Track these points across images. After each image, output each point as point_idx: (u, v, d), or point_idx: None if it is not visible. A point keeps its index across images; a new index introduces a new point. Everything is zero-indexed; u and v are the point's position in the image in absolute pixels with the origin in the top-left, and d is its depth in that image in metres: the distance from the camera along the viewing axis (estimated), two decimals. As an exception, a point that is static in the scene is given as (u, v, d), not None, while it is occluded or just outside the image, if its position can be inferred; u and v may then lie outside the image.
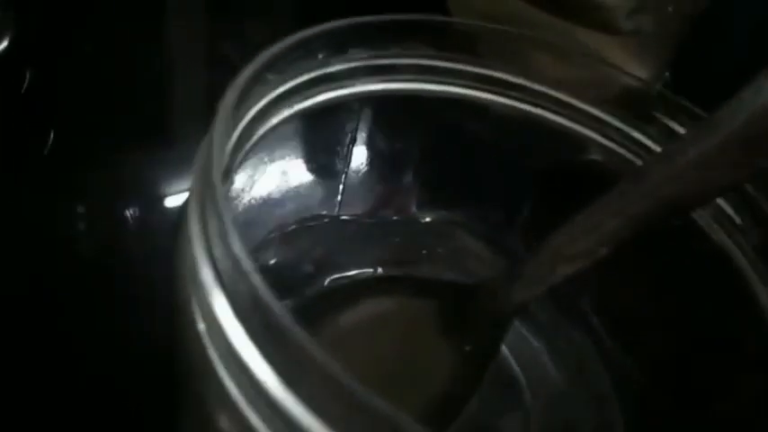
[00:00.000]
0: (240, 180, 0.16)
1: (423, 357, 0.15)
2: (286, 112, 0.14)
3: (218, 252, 0.09)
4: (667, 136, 0.16)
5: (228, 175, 0.11)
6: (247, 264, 0.09)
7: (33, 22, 0.27)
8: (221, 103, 0.10)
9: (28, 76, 0.26)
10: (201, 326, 0.10)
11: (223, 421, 0.09)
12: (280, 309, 0.08)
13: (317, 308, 0.17)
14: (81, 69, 0.29)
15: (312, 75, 0.14)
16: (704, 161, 0.13)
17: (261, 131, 0.13)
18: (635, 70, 0.32)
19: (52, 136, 0.26)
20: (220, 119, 0.10)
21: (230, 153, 0.11)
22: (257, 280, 0.09)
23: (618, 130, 0.17)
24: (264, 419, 0.08)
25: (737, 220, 0.14)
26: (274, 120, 0.13)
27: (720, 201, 0.15)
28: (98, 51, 0.31)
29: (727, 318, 0.14)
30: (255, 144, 0.13)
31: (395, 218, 0.20)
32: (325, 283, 0.18)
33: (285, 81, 0.13)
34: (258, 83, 0.12)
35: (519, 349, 0.19)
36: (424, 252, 0.20)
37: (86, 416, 0.18)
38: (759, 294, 0.13)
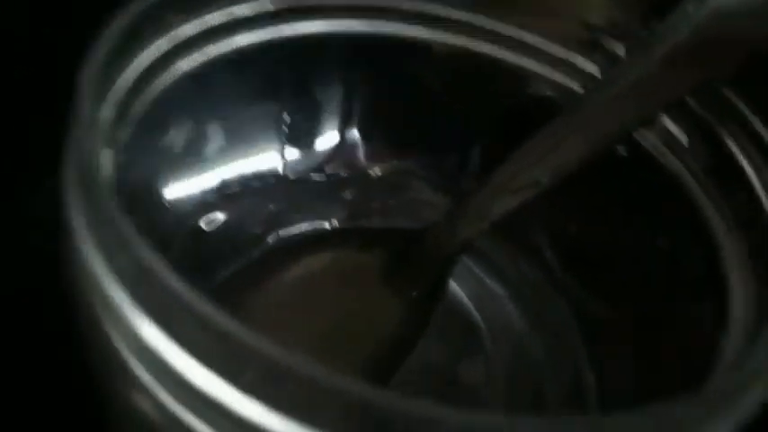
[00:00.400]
0: (170, 139, 0.15)
1: (367, 306, 0.15)
2: (197, 59, 0.13)
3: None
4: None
5: (120, 124, 0.10)
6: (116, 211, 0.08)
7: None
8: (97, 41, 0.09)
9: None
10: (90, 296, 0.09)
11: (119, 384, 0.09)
12: (147, 249, 0.08)
13: (264, 267, 0.17)
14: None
15: (221, 14, 0.13)
16: (647, 77, 0.12)
17: (162, 85, 0.12)
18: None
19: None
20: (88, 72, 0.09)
21: (120, 102, 0.10)
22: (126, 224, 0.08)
23: (567, 63, 0.16)
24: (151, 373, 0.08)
25: (685, 141, 0.14)
26: (181, 68, 0.12)
27: (668, 123, 0.14)
28: None
29: (678, 242, 0.13)
30: (165, 95, 0.12)
31: (344, 174, 0.19)
32: (272, 241, 0.18)
33: (189, 20, 0.12)
34: (153, 23, 0.11)
35: (478, 295, 0.18)
36: (376, 205, 0.20)
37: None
38: (710, 218, 0.13)
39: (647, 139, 0.14)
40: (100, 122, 0.09)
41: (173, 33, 0.11)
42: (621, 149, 0.15)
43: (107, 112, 0.10)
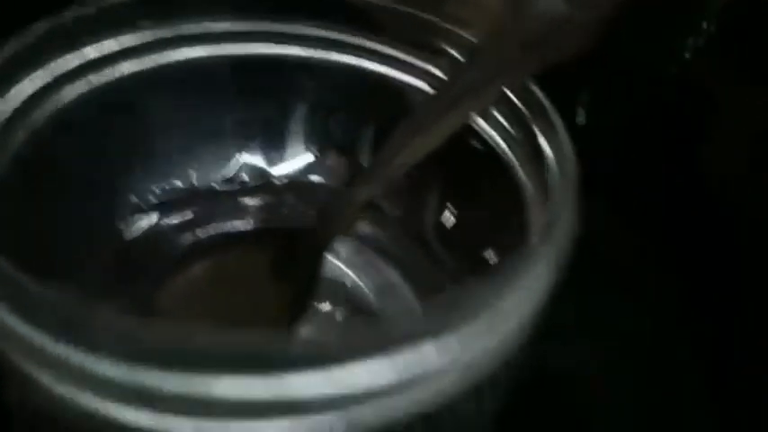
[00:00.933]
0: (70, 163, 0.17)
1: (256, 295, 0.17)
2: (79, 89, 0.15)
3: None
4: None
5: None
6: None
7: None
8: None
9: None
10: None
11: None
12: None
13: (177, 265, 0.19)
14: None
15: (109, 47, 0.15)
16: (478, 77, 0.15)
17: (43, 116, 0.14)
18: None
19: None
20: None
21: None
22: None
23: (425, 71, 0.18)
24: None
25: (513, 132, 0.16)
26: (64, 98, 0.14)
27: (501, 119, 0.16)
28: None
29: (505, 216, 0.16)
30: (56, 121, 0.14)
31: (252, 182, 0.21)
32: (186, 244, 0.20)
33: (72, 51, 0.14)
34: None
35: (378, 285, 0.20)
36: (284, 211, 0.22)
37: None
38: (527, 193, 0.15)
39: (487, 131, 0.17)
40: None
41: (53, 65, 0.13)
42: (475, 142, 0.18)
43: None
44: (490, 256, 0.18)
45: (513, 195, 0.16)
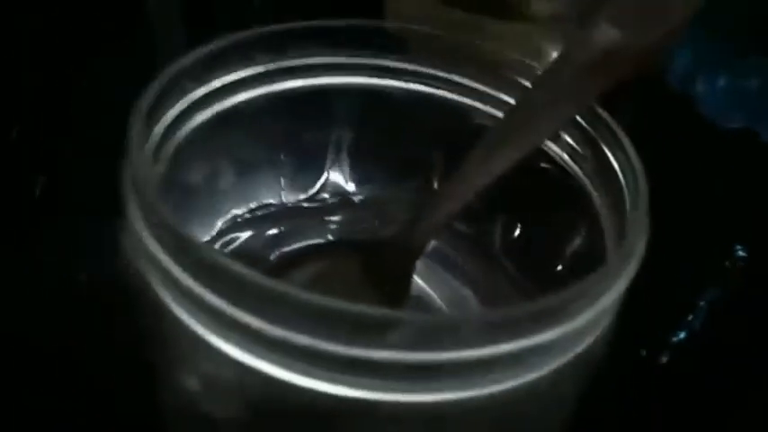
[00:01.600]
0: (190, 177, 0.20)
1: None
2: (208, 114, 0.17)
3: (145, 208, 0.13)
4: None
5: (156, 159, 0.15)
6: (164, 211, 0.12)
7: (20, 81, 0.31)
8: (138, 102, 0.14)
9: (16, 128, 0.30)
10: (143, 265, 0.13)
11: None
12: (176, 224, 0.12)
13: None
14: (65, 120, 0.33)
15: (229, 78, 0.18)
16: (548, 101, 0.17)
17: (185, 131, 0.16)
18: (554, 50, 0.36)
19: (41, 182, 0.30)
20: (136, 113, 0.13)
21: (156, 145, 0.15)
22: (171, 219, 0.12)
23: (493, 97, 0.20)
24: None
25: (581, 150, 0.18)
26: (199, 119, 0.17)
27: (568, 139, 0.18)
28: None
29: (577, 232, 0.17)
30: (188, 142, 0.17)
31: (332, 200, 0.24)
32: (274, 259, 0.22)
33: (189, 92, 0.17)
34: (178, 87, 0.16)
35: (449, 298, 0.22)
36: (364, 225, 0.24)
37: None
38: (597, 208, 0.17)
39: (557, 151, 0.19)
40: (144, 157, 0.14)
41: (189, 95, 0.16)
42: (542, 162, 0.19)
43: (148, 152, 0.14)
44: (560, 271, 0.20)
45: (583, 212, 0.17)
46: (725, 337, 0.24)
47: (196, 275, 0.12)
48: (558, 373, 0.12)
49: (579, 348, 0.12)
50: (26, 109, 0.32)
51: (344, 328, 0.11)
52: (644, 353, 0.23)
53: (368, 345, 0.11)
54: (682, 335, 0.24)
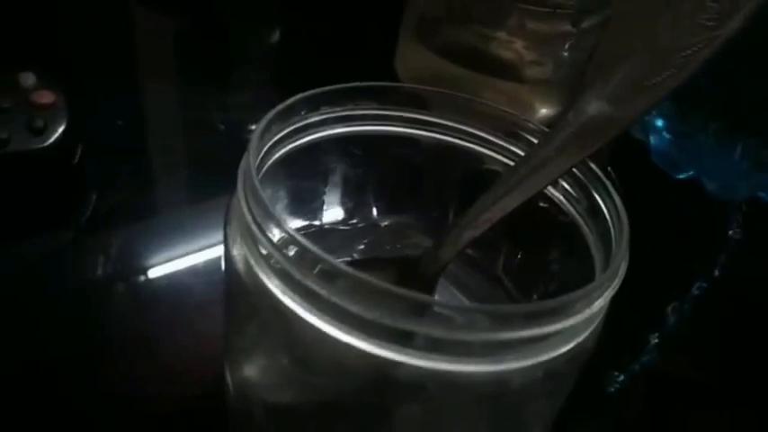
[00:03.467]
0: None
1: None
2: (282, 150, 0.22)
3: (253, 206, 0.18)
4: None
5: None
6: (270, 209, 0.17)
7: (80, 110, 0.35)
8: (253, 135, 0.19)
9: (79, 149, 0.34)
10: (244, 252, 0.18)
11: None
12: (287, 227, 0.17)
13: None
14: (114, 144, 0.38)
15: (296, 125, 0.22)
16: (550, 155, 0.21)
17: (268, 162, 0.21)
18: (542, 107, 0.41)
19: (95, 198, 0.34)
20: (254, 137, 0.18)
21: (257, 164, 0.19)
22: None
23: (505, 148, 0.25)
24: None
25: (574, 193, 0.22)
26: (276, 155, 0.22)
27: (564, 183, 0.23)
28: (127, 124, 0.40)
29: (568, 259, 0.22)
30: (268, 166, 0.21)
31: (361, 225, 0.28)
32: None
33: (281, 130, 0.21)
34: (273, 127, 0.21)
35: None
36: (387, 247, 0.28)
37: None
38: (588, 239, 0.21)
39: (554, 193, 0.23)
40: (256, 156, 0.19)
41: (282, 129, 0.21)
42: (540, 201, 0.24)
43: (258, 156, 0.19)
44: (553, 291, 0.25)
45: (575, 243, 0.22)
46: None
47: (282, 250, 0.17)
48: (563, 357, 0.17)
49: (578, 340, 0.17)
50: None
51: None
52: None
53: (416, 321, 0.16)
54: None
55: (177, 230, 0.34)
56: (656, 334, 0.33)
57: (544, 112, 0.41)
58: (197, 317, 0.29)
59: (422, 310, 0.16)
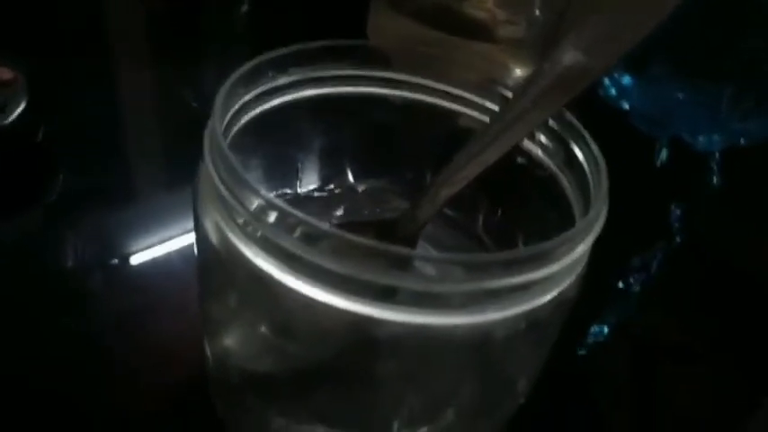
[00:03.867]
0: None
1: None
2: (250, 115, 0.21)
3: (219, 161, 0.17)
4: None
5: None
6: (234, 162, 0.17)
7: (43, 88, 0.34)
8: (217, 97, 0.18)
9: (42, 127, 0.33)
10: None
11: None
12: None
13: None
14: (81, 124, 0.37)
15: (266, 87, 0.21)
16: (526, 108, 0.21)
17: (237, 127, 0.20)
18: (516, 67, 0.41)
19: (62, 179, 0.33)
20: (218, 100, 0.18)
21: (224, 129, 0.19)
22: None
23: (479, 104, 0.25)
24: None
25: (551, 145, 0.22)
26: (243, 120, 0.21)
27: (541, 136, 0.23)
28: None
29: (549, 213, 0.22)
30: (237, 135, 0.21)
31: (338, 190, 0.28)
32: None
33: (248, 93, 0.21)
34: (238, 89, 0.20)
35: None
36: (365, 212, 0.28)
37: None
38: (566, 190, 0.21)
39: (531, 147, 0.23)
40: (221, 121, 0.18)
41: (245, 97, 0.20)
42: (518, 157, 0.24)
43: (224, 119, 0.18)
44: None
45: (554, 196, 0.22)
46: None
47: (258, 216, 0.16)
48: (547, 306, 0.16)
49: (561, 287, 0.17)
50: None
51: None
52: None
53: (398, 275, 0.15)
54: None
55: (151, 210, 0.33)
56: (633, 289, 0.33)
57: (519, 72, 0.40)
58: (178, 296, 0.29)
59: (403, 265, 0.16)
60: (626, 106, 0.46)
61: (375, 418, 0.21)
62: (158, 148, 0.39)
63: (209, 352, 0.21)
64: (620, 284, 0.34)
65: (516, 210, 0.25)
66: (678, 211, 0.40)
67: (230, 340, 0.20)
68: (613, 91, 0.45)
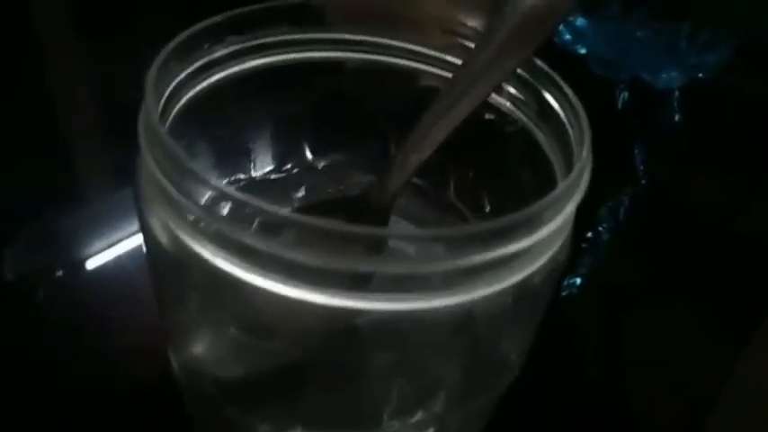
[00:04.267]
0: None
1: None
2: (188, 94, 0.19)
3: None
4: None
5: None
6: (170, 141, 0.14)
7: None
8: (147, 78, 0.16)
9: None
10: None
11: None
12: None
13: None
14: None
15: (203, 61, 0.19)
16: (491, 57, 0.19)
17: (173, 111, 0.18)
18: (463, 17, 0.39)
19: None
20: (149, 80, 0.15)
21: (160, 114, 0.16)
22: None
23: (440, 59, 0.23)
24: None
25: (522, 96, 0.21)
26: (181, 101, 0.18)
27: (510, 88, 0.21)
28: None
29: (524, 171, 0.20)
30: (175, 119, 0.18)
31: (296, 170, 0.25)
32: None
33: (183, 70, 0.18)
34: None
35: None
36: (328, 190, 0.26)
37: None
38: (543, 144, 0.20)
39: (500, 101, 0.21)
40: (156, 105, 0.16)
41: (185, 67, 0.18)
42: (485, 113, 0.22)
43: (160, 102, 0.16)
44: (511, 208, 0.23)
45: (529, 152, 0.20)
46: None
47: (210, 210, 0.14)
48: (541, 271, 0.15)
49: (551, 251, 0.15)
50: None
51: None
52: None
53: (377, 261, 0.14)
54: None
55: (94, 212, 0.31)
56: (602, 238, 0.33)
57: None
58: (141, 296, 0.27)
59: (381, 248, 0.14)
60: (582, 51, 0.44)
61: (364, 413, 0.19)
62: (102, 141, 0.36)
63: (175, 364, 0.19)
64: (590, 234, 0.33)
65: (488, 171, 0.24)
66: (642, 154, 0.40)
67: (197, 349, 0.18)
68: (568, 35, 0.44)
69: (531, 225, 0.14)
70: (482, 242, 0.14)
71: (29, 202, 0.30)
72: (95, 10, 0.43)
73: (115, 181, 0.34)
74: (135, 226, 0.29)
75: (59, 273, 0.28)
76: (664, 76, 0.42)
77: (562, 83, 0.19)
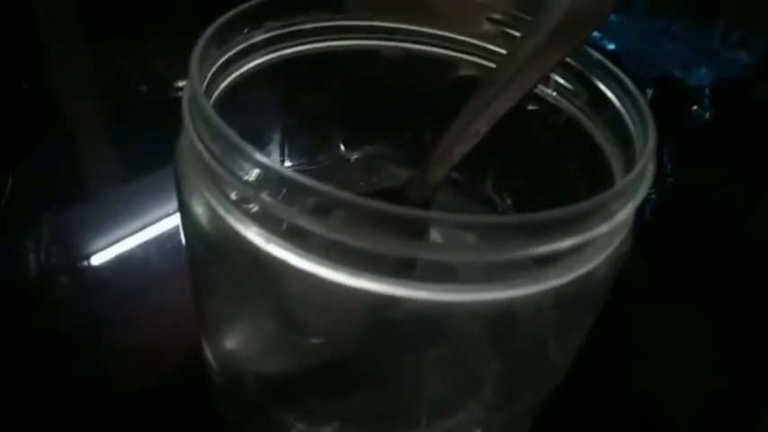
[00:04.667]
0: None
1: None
2: (226, 81, 0.18)
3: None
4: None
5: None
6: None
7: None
8: (191, 60, 0.15)
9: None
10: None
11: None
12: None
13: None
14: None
15: (242, 46, 0.18)
16: (536, 50, 0.18)
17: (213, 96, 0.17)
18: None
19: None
20: (193, 62, 0.15)
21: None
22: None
23: (482, 47, 0.22)
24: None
25: (570, 86, 0.20)
26: (219, 87, 0.18)
27: (558, 78, 0.20)
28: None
29: (575, 158, 0.20)
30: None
31: (327, 162, 0.25)
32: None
33: (221, 55, 0.17)
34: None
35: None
36: (361, 183, 0.25)
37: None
38: (595, 135, 0.19)
39: (547, 92, 0.20)
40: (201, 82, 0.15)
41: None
42: (532, 104, 0.21)
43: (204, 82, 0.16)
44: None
45: (577, 145, 0.19)
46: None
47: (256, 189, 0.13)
48: (605, 264, 0.14)
49: (617, 242, 0.15)
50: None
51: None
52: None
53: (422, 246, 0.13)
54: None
55: (107, 204, 0.30)
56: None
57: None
58: (154, 292, 0.26)
59: (421, 234, 0.14)
60: (611, 46, 0.44)
61: (402, 411, 0.19)
62: (110, 138, 0.35)
63: (210, 357, 0.18)
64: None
65: (531, 164, 0.23)
66: (670, 153, 0.39)
67: (236, 341, 0.18)
68: (596, 31, 0.43)
69: (604, 214, 0.14)
70: (554, 230, 0.13)
71: (37, 199, 0.30)
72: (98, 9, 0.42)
73: (118, 171, 0.33)
74: (143, 220, 0.29)
75: (78, 267, 0.27)
76: (694, 73, 0.41)
77: (618, 72, 0.18)
